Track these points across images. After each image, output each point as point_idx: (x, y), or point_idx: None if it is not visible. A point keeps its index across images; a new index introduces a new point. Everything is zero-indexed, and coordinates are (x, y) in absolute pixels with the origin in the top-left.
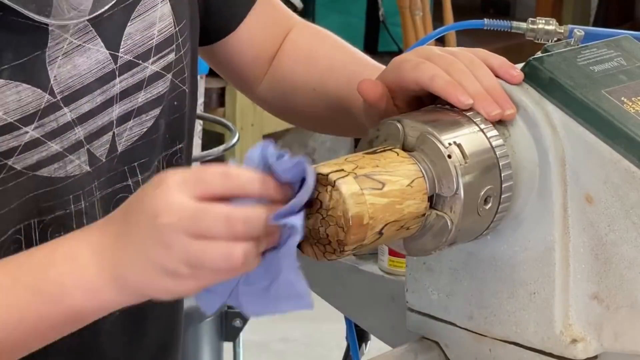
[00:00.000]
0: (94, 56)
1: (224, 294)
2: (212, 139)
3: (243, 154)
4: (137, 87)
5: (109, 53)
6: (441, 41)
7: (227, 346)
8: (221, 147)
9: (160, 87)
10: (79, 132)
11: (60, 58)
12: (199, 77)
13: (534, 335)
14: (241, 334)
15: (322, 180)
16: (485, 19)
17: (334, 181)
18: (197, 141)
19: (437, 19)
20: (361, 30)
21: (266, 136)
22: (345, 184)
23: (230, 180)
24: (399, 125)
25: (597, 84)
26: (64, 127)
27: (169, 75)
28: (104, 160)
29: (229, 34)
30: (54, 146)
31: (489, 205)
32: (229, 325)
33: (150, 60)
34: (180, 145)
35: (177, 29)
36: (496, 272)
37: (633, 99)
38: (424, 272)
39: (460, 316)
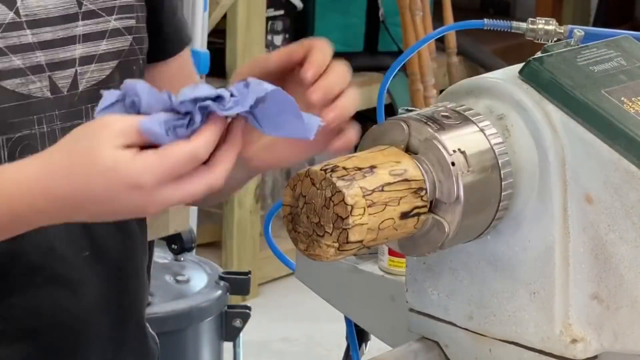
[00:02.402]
0: None
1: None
2: None
3: None
4: (100, 35)
5: None
6: (441, 41)
7: (227, 346)
8: None
9: (119, 44)
10: (40, 57)
11: None
12: (199, 77)
13: (534, 335)
14: (241, 334)
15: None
16: (485, 19)
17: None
18: None
19: (437, 19)
20: (361, 30)
21: None
22: (314, 168)
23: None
24: (399, 125)
25: (597, 84)
26: (25, 47)
27: (130, 37)
28: (65, 92)
29: (170, 57)
30: (16, 61)
31: (489, 205)
32: (229, 325)
33: (113, 17)
34: None
35: (136, 3)
36: (496, 272)
37: (633, 99)
38: (424, 272)
39: (460, 316)
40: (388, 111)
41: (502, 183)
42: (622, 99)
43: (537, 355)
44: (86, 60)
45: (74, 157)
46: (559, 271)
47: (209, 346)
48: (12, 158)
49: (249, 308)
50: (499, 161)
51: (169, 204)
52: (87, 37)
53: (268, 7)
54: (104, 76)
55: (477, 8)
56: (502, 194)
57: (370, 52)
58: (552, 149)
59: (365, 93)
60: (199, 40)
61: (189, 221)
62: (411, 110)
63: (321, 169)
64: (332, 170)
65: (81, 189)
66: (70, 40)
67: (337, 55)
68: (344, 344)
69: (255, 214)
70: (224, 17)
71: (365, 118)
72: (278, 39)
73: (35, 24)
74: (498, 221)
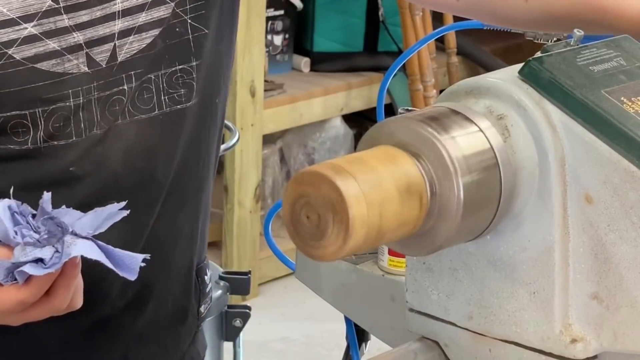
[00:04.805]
0: None
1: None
2: None
3: (243, 154)
4: (140, 9)
5: None
6: (441, 41)
7: (227, 346)
8: (221, 147)
9: (161, 12)
10: (78, 37)
11: None
12: None
13: (533, 335)
14: (241, 334)
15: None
16: None
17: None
18: None
19: (437, 19)
20: (361, 30)
21: (266, 136)
22: (313, 167)
23: None
24: (398, 124)
25: (596, 84)
26: (60, 30)
27: (172, 4)
28: (103, 65)
29: None
30: (52, 44)
31: (489, 205)
32: (229, 325)
33: None
34: (180, 67)
35: None
36: (496, 272)
37: (633, 99)
38: (424, 272)
39: (460, 316)
40: (388, 111)
41: (502, 183)
42: (622, 99)
43: (537, 355)
44: (124, 33)
45: None
46: (559, 271)
47: (209, 346)
48: (47, 126)
49: (249, 308)
50: (499, 161)
51: (16, 324)
52: (127, 12)
53: (268, 7)
54: (144, 45)
55: None
56: (502, 194)
57: (370, 52)
58: (552, 149)
59: (365, 93)
60: None
61: None
62: (411, 110)
63: (321, 169)
64: (332, 170)
65: None
66: (109, 17)
67: (337, 55)
68: (344, 344)
69: (255, 214)
70: None
71: (365, 118)
72: (278, 39)
73: (73, 8)
74: (498, 221)
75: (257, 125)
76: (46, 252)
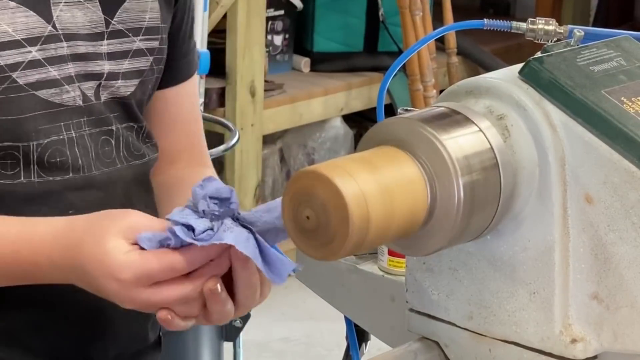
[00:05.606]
0: (89, 15)
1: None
2: (212, 139)
3: (243, 154)
4: (124, 55)
5: (104, 17)
6: (441, 41)
7: (227, 346)
8: (221, 147)
9: (141, 64)
10: (71, 68)
11: (62, 4)
12: (198, 77)
13: (534, 335)
14: (241, 334)
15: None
16: (485, 19)
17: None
18: None
19: (437, 19)
20: (361, 30)
21: (266, 136)
22: (313, 167)
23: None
24: (398, 124)
25: (596, 84)
26: (60, 58)
27: (150, 58)
28: (93, 101)
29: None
30: (52, 72)
31: (489, 205)
32: (229, 325)
33: (139, 38)
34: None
35: (162, 25)
36: (496, 272)
37: (633, 99)
38: (424, 272)
39: (460, 316)
40: (388, 111)
41: (502, 183)
42: (622, 99)
43: (537, 355)
44: (112, 76)
45: (89, 229)
46: (559, 271)
47: (209, 346)
48: (41, 162)
49: None
50: (499, 161)
51: (143, 304)
52: (112, 56)
53: (268, 7)
54: (127, 92)
55: (477, 8)
56: (502, 194)
57: (370, 52)
58: (552, 149)
59: (365, 93)
60: (199, 40)
61: None
62: (411, 110)
63: (321, 169)
64: (332, 170)
65: (80, 258)
66: (98, 57)
67: (337, 55)
68: (344, 344)
69: None
70: (224, 17)
71: (365, 118)
72: (278, 39)
73: (70, 37)
74: (498, 221)
75: (257, 125)
76: (200, 224)
